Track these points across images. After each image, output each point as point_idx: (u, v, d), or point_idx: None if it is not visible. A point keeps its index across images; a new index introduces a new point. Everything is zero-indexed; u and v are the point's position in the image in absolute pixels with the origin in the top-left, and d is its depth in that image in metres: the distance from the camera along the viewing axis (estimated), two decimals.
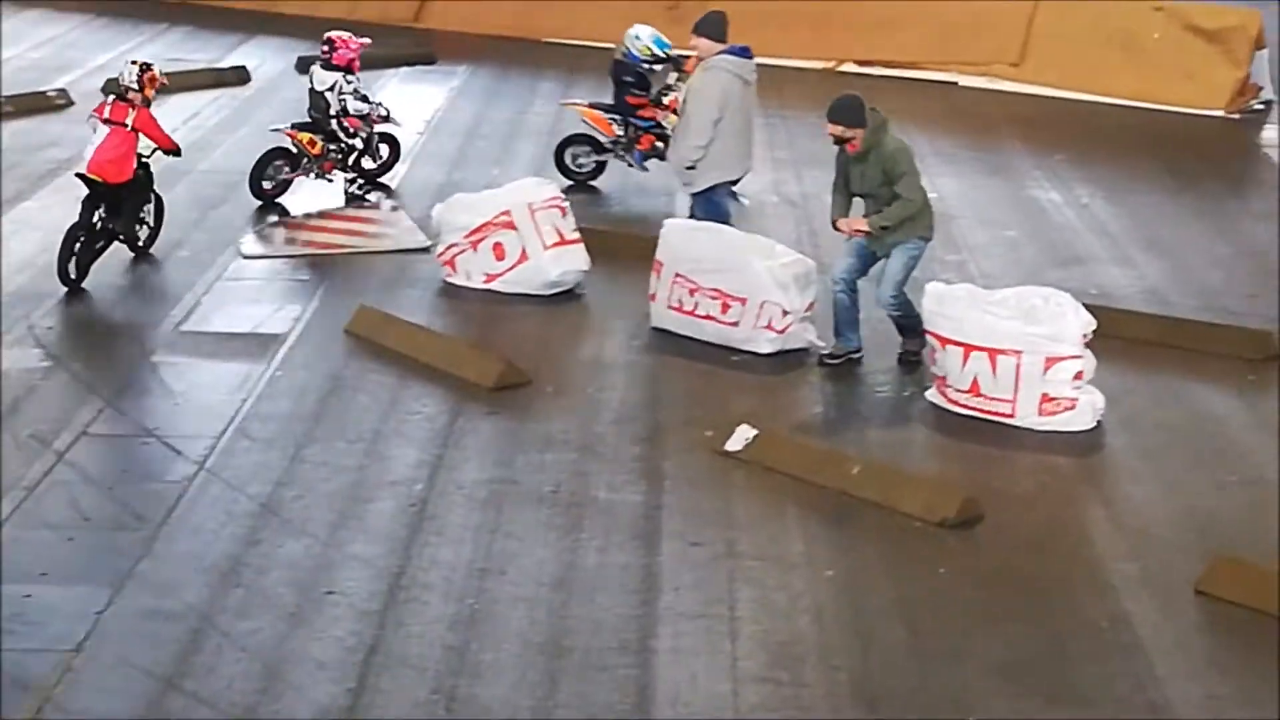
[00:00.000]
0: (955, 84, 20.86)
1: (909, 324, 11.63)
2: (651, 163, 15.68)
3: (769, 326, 11.88)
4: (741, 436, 10.40)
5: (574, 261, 13.13)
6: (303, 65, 19.12)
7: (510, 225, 13.02)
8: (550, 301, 12.98)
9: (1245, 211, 16.12)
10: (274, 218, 14.91)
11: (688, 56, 13.85)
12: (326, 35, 15.41)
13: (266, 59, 21.40)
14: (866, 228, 11.51)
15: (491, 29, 23.09)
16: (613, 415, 11.01)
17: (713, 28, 12.76)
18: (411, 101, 19.03)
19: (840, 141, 11.50)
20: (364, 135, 15.42)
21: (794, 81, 20.30)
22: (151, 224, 13.81)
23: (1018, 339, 10.75)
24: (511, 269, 13.05)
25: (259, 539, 9.18)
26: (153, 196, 13.73)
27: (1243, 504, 9.86)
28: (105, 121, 13.11)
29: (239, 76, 20.32)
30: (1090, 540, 9.40)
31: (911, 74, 21.07)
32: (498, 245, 13.04)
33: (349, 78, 15.24)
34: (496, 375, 11.31)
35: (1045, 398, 10.75)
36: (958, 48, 21.10)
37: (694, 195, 12.91)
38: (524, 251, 13.00)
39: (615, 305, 13.05)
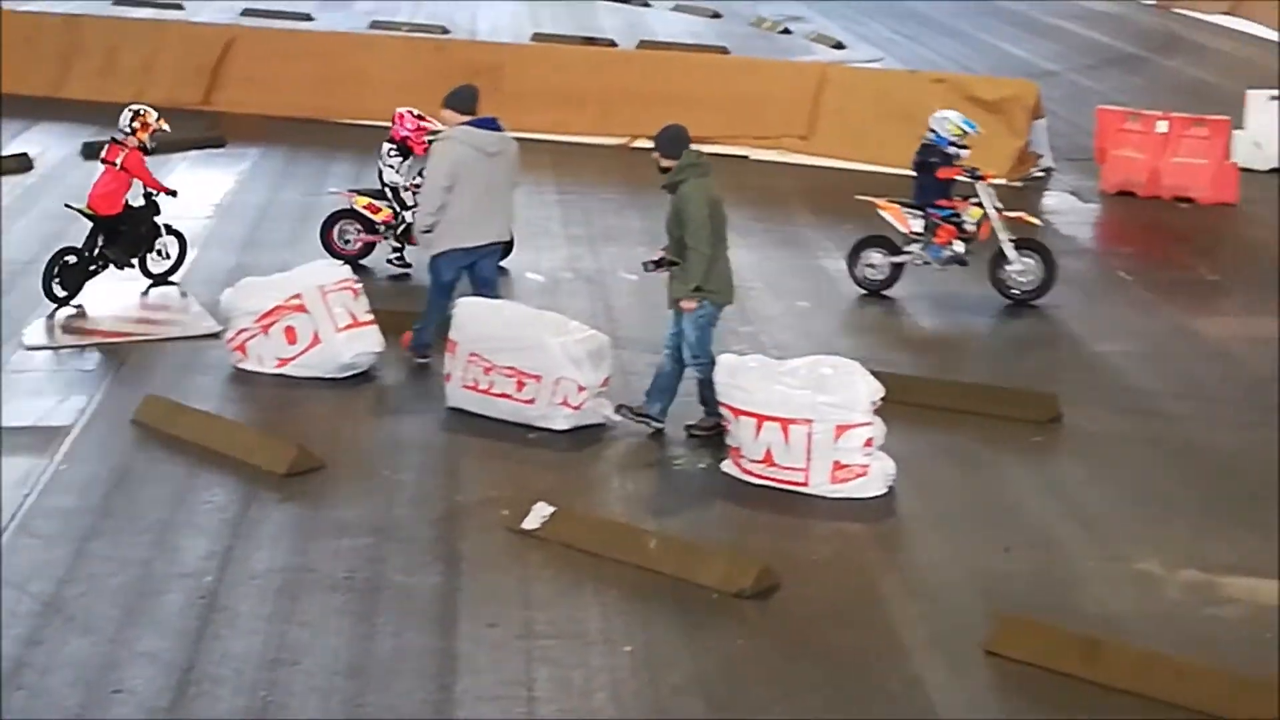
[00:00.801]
0: (746, 158, 21.16)
1: (709, 395, 11.70)
2: None
3: (564, 403, 11.89)
4: (538, 514, 10.37)
5: (367, 343, 13.02)
6: (89, 151, 18.77)
7: (301, 308, 12.89)
8: (344, 384, 12.85)
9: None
10: (68, 309, 14.56)
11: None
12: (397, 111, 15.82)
13: (50, 145, 21.01)
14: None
15: (283, 111, 22.94)
16: (408, 497, 10.92)
17: (459, 101, 13.04)
18: (201, 185, 18.81)
19: (663, 171, 11.76)
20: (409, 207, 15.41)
21: (589, 158, 20.49)
22: (173, 255, 15.35)
23: (809, 408, 10.88)
24: (304, 352, 12.90)
25: (42, 639, 8.91)
26: (163, 229, 15.22)
27: (1029, 564, 10.05)
28: (102, 161, 14.97)
29: (20, 164, 19.93)
30: (884, 606, 9.51)
31: (704, 148, 21.14)
32: (289, 329, 12.90)
33: (391, 150, 15.58)
34: (289, 461, 11.15)
35: (837, 465, 10.89)
36: (748, 122, 21.43)
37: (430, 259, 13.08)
38: (316, 334, 12.87)
39: (410, 386, 12.98)
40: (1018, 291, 15.10)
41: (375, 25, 29.83)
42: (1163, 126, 19.37)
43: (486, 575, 9.80)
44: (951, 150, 15.18)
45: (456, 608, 9.35)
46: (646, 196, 15.64)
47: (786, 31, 32.58)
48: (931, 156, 15.19)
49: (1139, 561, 10.03)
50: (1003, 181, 19.81)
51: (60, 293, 14.60)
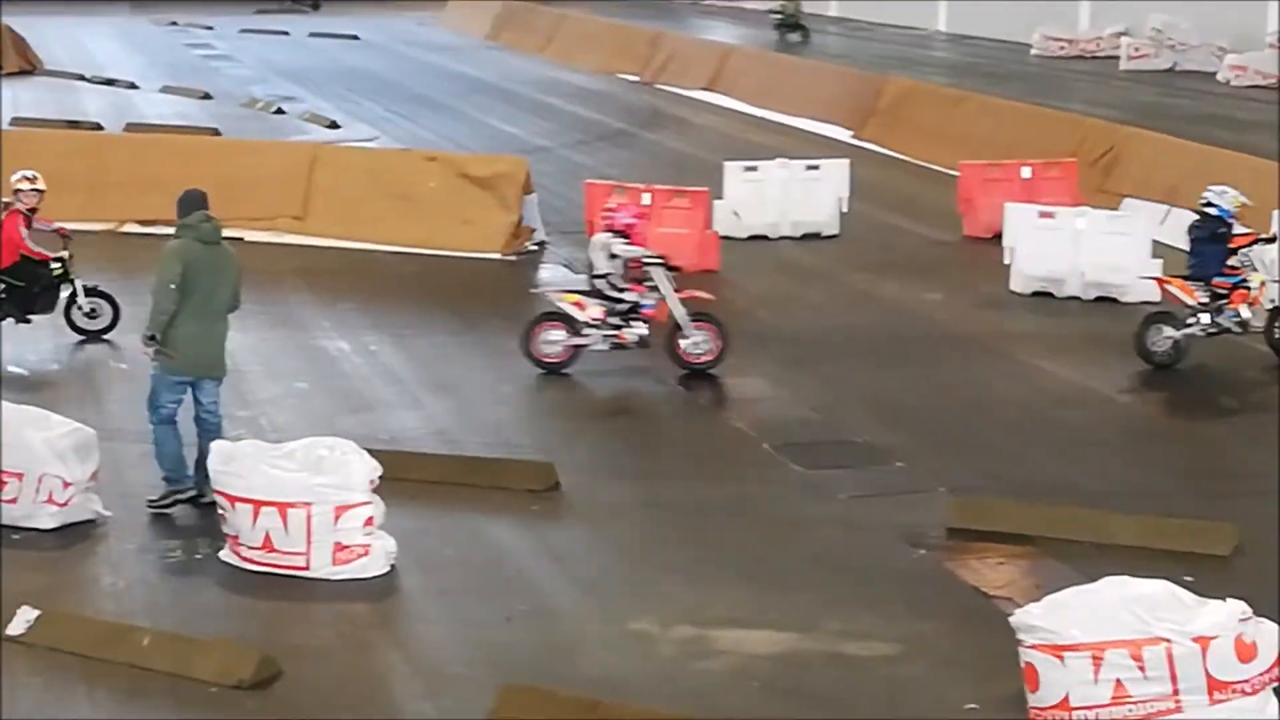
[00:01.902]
0: (241, 239, 20.79)
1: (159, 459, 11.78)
2: None
3: (50, 500, 11.41)
4: (23, 619, 9.89)
5: None
6: None
7: None
8: None
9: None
10: None
11: None
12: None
13: None
14: None
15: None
16: None
17: None
18: None
19: None
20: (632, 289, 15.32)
21: (77, 245, 19.73)
22: (110, 313, 16.40)
23: (306, 490, 10.77)
24: None
25: None
26: (77, 289, 16.30)
27: (531, 632, 10.18)
28: None
29: None
30: (387, 685, 9.47)
31: None
32: None
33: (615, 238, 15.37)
34: None
35: (338, 546, 10.80)
36: (240, 203, 21.02)
37: None
38: None
39: None
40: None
41: None
42: (647, 198, 20.07)
43: None
44: (1231, 222, 15.49)
45: None
46: (139, 280, 15.20)
47: (280, 112, 32.36)
48: (1219, 228, 15.42)
49: (635, 622, 10.30)
50: (496, 255, 20.29)
51: None
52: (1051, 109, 28.88)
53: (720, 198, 21.43)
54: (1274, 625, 8.69)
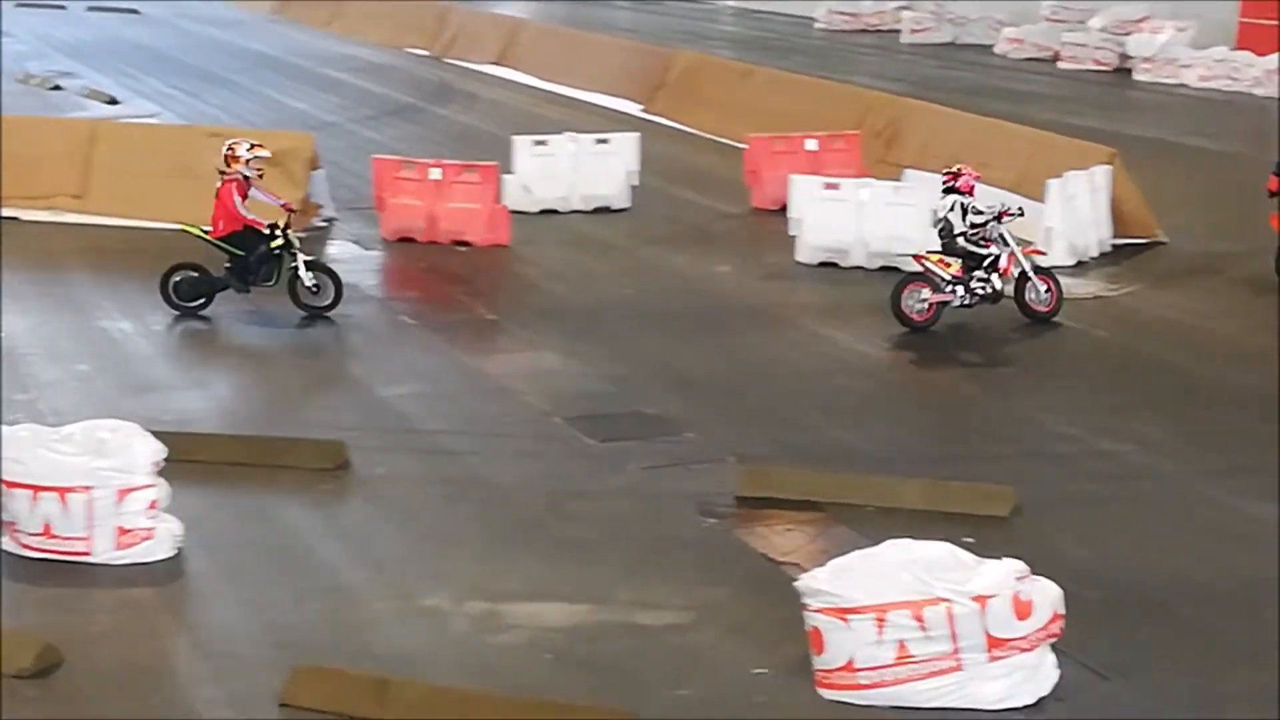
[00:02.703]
0: (17, 219, 20.28)
1: None
2: None
3: None
4: None
5: None
6: None
7: None
8: None
9: (322, 329, 16.67)
10: None
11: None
12: (949, 169, 16.26)
13: None
14: None
15: None
16: None
17: None
18: None
19: None
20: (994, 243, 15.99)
21: None
22: (333, 289, 16.45)
23: (87, 474, 10.54)
24: None
25: None
26: (302, 263, 16.37)
27: (322, 612, 10.09)
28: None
29: None
30: (174, 670, 9.33)
31: None
32: None
33: (966, 200, 15.98)
34: None
35: (121, 530, 10.60)
36: (17, 182, 20.52)
37: None
38: None
39: None
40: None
41: None
42: (436, 173, 19.95)
43: None
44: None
45: None
46: None
47: (57, 88, 31.54)
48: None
49: (428, 598, 10.27)
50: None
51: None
52: (836, 82, 29.31)
53: (510, 172, 21.40)
54: (1050, 583, 8.95)
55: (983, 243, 15.99)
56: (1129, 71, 35.28)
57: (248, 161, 16.33)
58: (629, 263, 19.34)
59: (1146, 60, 35.03)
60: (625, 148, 22.24)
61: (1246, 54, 33.64)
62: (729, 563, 10.96)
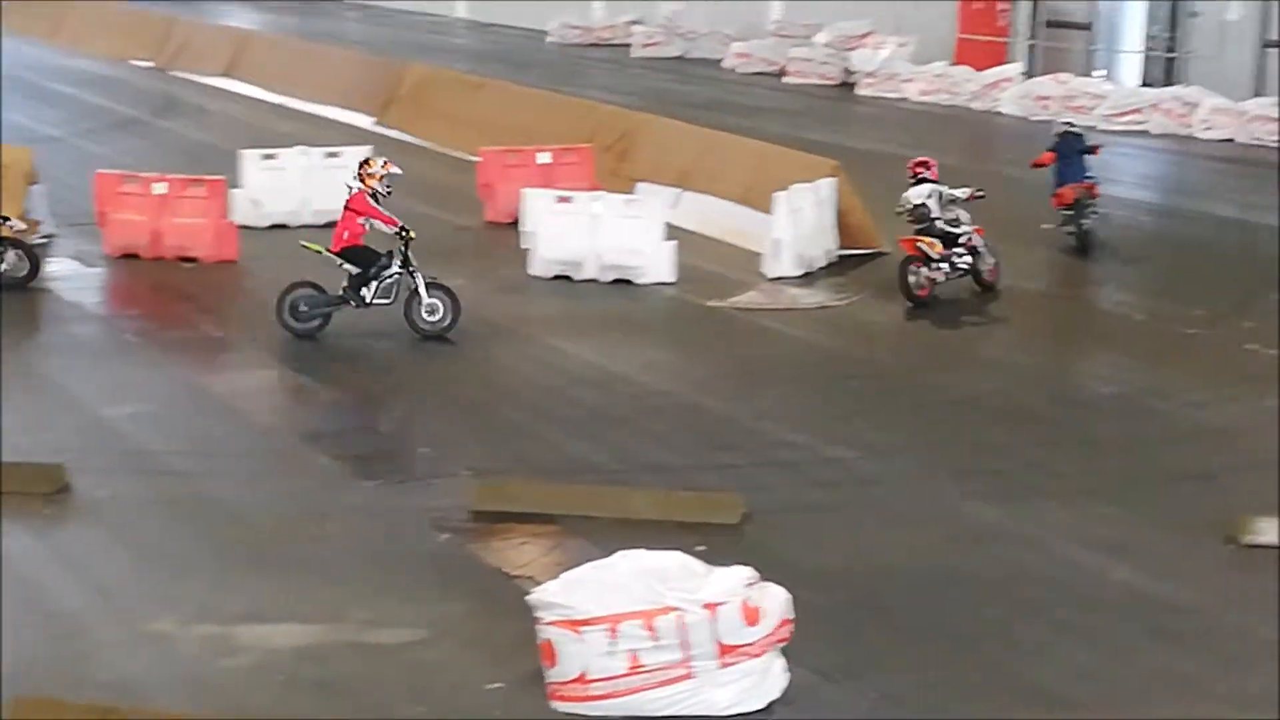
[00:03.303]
0: None
1: None
2: None
3: None
4: None
5: None
6: None
7: None
8: None
9: (40, 349, 16.17)
10: None
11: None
12: (917, 160, 17.97)
13: None
14: None
15: None
16: None
17: None
18: None
19: None
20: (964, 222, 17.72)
21: None
22: (446, 309, 16.23)
23: None
24: None
25: None
26: (421, 284, 16.11)
27: (45, 641, 9.79)
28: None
29: None
30: None
31: None
32: None
33: (941, 187, 17.69)
34: None
35: None
36: None
37: None
38: None
39: None
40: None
41: None
42: (161, 188, 19.52)
43: None
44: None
45: None
46: None
47: None
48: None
49: (154, 623, 10.04)
50: None
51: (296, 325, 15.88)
52: (568, 96, 29.47)
53: (238, 186, 21.04)
54: (779, 589, 9.12)
55: (954, 224, 17.59)
56: (853, 86, 36.15)
57: (380, 178, 16.07)
58: None
59: (869, 75, 35.93)
60: (357, 161, 21.96)
61: (965, 69, 34.74)
62: (463, 578, 10.93)
